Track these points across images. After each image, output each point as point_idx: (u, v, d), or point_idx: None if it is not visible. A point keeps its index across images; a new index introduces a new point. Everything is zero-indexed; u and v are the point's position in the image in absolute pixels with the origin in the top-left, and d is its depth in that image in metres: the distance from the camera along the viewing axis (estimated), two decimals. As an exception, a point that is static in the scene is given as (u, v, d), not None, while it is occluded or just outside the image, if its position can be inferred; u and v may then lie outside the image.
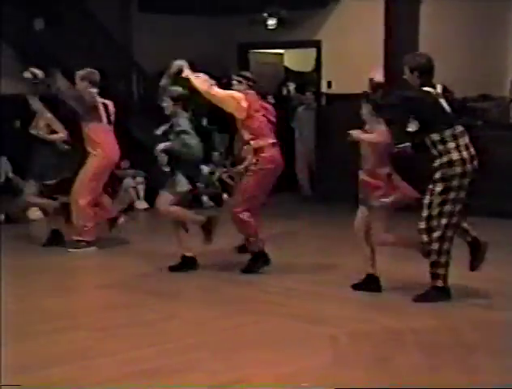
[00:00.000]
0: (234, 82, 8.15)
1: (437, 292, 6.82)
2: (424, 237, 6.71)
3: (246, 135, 7.92)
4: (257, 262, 7.86)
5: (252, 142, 7.87)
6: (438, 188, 6.63)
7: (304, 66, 15.94)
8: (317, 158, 13.43)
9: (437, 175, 6.64)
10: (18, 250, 9.00)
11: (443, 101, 6.75)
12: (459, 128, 6.72)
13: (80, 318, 6.51)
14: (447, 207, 6.64)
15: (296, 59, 16.06)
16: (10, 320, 6.36)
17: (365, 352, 5.72)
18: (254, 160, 7.82)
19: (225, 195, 12.89)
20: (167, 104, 7.96)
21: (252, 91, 8.13)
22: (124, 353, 5.58)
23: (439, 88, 6.81)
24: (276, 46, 14.88)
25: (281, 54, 15.79)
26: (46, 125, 9.21)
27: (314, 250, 9.31)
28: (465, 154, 6.66)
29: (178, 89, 8.05)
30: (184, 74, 7.93)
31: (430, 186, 6.66)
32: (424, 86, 6.75)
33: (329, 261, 8.40)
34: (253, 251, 7.88)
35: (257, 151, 7.85)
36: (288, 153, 13.95)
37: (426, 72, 6.80)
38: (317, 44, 13.60)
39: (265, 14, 13.63)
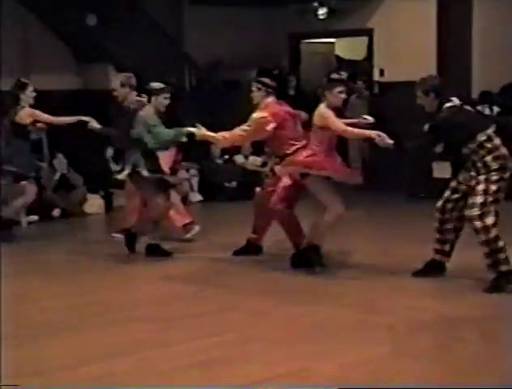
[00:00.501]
0: (253, 88, 7.95)
1: (506, 277, 6.75)
2: (478, 224, 6.67)
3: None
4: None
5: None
6: (495, 177, 6.71)
7: (355, 55, 15.86)
8: (369, 146, 13.36)
9: (494, 165, 6.72)
10: (75, 243, 9.11)
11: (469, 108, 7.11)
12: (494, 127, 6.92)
13: (137, 310, 6.55)
14: (500, 195, 6.74)
15: (347, 48, 15.98)
16: (71, 313, 6.47)
17: (423, 341, 5.69)
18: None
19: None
20: None
21: (271, 99, 7.93)
22: (181, 345, 5.62)
23: (457, 100, 6.90)
24: (327, 35, 14.82)
25: (332, 44, 15.72)
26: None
27: (367, 239, 9.27)
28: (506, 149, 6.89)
29: None
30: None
31: (483, 176, 6.70)
32: (443, 104, 6.80)
33: (382, 249, 8.36)
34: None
35: None
36: (341, 142, 13.95)
37: (441, 91, 6.87)
38: (368, 33, 13.53)
39: (315, 4, 13.61)
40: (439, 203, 7.03)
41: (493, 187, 6.71)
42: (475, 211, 6.69)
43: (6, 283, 7.11)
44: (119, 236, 8.80)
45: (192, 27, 13.59)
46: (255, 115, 7.78)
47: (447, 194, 7.03)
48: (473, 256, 7.29)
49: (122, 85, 9.00)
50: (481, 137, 6.78)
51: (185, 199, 11.62)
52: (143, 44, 12.38)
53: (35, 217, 10.51)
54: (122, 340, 5.75)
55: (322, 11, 13.56)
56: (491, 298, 6.66)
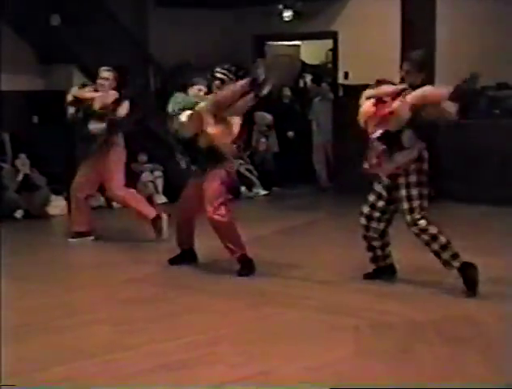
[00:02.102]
0: (225, 77, 7.53)
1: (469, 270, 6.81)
2: (423, 223, 6.75)
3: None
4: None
5: None
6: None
7: (320, 58, 15.93)
8: (334, 149, 13.42)
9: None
10: (39, 245, 9.04)
11: None
12: None
13: (103, 313, 6.52)
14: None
15: (312, 51, 16.04)
16: (34, 315, 6.42)
17: (387, 343, 5.71)
18: None
19: (243, 188, 12.90)
20: None
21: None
22: (146, 347, 5.60)
23: None
24: (292, 38, 14.86)
25: (298, 46, 15.77)
26: None
27: (333, 241, 9.31)
28: None
29: None
30: None
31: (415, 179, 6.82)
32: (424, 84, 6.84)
33: (348, 252, 8.39)
34: None
35: None
36: (306, 145, 14.02)
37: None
38: (333, 36, 13.58)
39: (280, 6, 13.64)
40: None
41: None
42: (417, 216, 6.77)
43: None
44: (75, 240, 8.84)
45: (157, 28, 13.55)
46: None
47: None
48: (435, 260, 7.36)
49: (115, 78, 9.10)
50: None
51: (149, 200, 11.59)
52: (108, 46, 12.31)
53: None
54: (88, 343, 5.73)
55: (287, 14, 13.59)
56: (455, 300, 6.71)
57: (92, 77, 12.18)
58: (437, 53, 12.47)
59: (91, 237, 9.16)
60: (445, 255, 6.77)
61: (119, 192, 9.09)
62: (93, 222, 9.37)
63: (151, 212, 9.10)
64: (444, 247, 6.75)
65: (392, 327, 6.08)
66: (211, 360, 5.35)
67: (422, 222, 6.73)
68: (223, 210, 7.40)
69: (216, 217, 7.38)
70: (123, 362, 5.31)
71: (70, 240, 9.08)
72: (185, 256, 7.94)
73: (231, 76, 7.54)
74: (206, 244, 8.15)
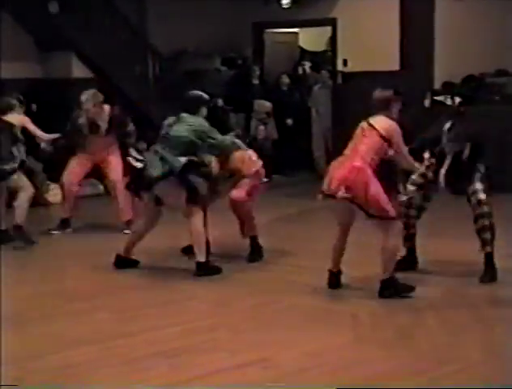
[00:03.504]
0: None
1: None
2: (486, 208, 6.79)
3: None
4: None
5: None
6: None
7: (319, 45, 15.89)
8: (333, 136, 13.41)
9: None
10: (36, 233, 9.01)
11: None
12: None
13: (102, 300, 6.53)
14: None
15: (311, 37, 16.00)
16: (33, 303, 6.43)
17: (387, 330, 5.72)
18: None
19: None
20: None
21: None
22: (146, 334, 5.62)
23: None
24: (291, 25, 14.82)
25: (296, 33, 15.72)
26: None
27: (331, 229, 9.28)
28: None
29: None
30: None
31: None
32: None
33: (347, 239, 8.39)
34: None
35: None
36: (305, 132, 14.00)
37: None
38: (332, 23, 13.54)
39: (279, -7, 13.61)
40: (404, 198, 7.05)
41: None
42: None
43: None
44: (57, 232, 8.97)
45: (155, 16, 13.50)
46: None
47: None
48: (436, 246, 7.40)
49: (94, 105, 9.02)
50: None
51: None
52: (106, 33, 12.28)
53: None
54: (85, 330, 5.74)
55: (285, 1, 13.56)
56: (455, 287, 6.73)
57: (90, 64, 12.21)
58: (435, 38, 12.47)
59: (70, 229, 9.17)
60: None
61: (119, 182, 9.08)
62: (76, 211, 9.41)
63: (129, 213, 9.10)
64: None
65: (391, 313, 6.09)
66: (210, 346, 5.37)
67: None
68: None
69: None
70: (123, 349, 5.33)
71: (53, 231, 9.08)
72: None
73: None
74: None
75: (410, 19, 12.46)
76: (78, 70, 12.22)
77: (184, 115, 7.35)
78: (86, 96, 9.05)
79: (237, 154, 7.84)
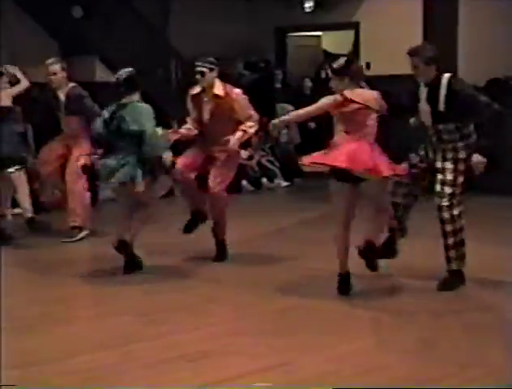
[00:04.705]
0: (205, 69, 7.52)
1: (460, 276, 6.78)
2: (446, 214, 6.61)
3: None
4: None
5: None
6: (462, 167, 6.61)
7: (342, 49, 15.87)
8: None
9: (461, 155, 6.61)
10: (59, 236, 9.04)
11: None
12: None
13: (123, 304, 6.54)
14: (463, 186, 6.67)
15: (334, 41, 15.99)
16: (55, 306, 6.45)
17: (408, 334, 5.70)
18: None
19: (264, 179, 12.90)
20: None
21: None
22: (165, 338, 5.62)
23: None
24: (314, 29, 14.82)
25: (319, 37, 15.72)
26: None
27: (354, 233, 9.26)
28: None
29: None
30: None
31: (450, 165, 6.60)
32: (441, 75, 6.67)
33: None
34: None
35: None
36: (327, 136, 13.97)
37: (439, 63, 6.75)
38: (355, 26, 13.53)
39: (302, -3, 13.63)
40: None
41: (461, 178, 6.62)
42: (445, 202, 6.59)
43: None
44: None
45: (178, 19, 13.55)
46: (241, 95, 7.66)
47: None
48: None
49: (63, 69, 8.89)
50: (459, 123, 6.66)
51: (172, 192, 11.56)
52: (129, 36, 12.35)
53: (20, 210, 10.40)
54: (107, 334, 5.75)
55: (308, 4, 13.58)
56: (476, 291, 6.70)
57: (114, 68, 12.24)
58: (459, 40, 12.42)
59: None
60: (459, 251, 6.71)
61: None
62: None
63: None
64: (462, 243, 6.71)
65: (412, 317, 6.06)
66: (230, 351, 5.35)
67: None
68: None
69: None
70: (141, 353, 5.32)
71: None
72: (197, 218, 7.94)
73: (211, 67, 7.57)
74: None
75: (433, 21, 12.41)
76: (102, 74, 12.28)
77: None
78: (52, 60, 8.92)
79: None
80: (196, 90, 7.73)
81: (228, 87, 7.70)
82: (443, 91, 6.59)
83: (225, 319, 6.09)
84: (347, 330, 5.78)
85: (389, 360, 5.17)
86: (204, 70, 7.54)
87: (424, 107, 6.73)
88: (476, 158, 6.51)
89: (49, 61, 8.91)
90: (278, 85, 14.05)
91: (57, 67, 8.85)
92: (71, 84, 8.96)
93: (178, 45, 13.21)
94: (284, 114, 13.62)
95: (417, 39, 12.37)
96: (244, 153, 12.48)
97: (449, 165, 6.62)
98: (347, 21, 13.60)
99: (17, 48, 11.98)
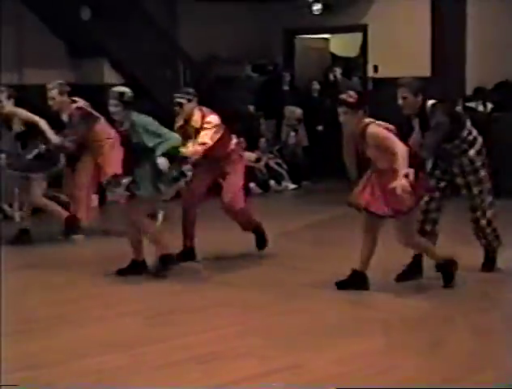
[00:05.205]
0: (183, 101, 7.65)
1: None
2: (483, 222, 7.00)
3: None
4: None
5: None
6: (483, 173, 7.00)
7: (350, 51, 15.87)
8: (364, 143, 13.36)
9: (478, 162, 6.96)
10: (59, 240, 9.02)
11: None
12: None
13: (134, 306, 6.54)
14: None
15: (342, 44, 15.99)
16: (64, 308, 6.46)
17: (418, 336, 5.69)
18: None
19: (272, 182, 12.90)
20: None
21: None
22: (175, 340, 5.62)
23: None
24: (322, 31, 14.82)
25: (327, 39, 15.72)
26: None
27: (361, 235, 9.26)
28: None
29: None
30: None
31: (472, 177, 6.92)
32: (425, 104, 6.82)
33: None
34: None
35: None
36: (335, 138, 13.96)
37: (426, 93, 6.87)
38: (363, 29, 13.53)
39: (310, 0, 13.61)
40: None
41: (487, 186, 6.99)
42: (479, 214, 6.99)
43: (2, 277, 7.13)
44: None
45: (187, 22, 13.57)
46: (212, 119, 7.70)
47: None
48: (470, 253, 7.34)
49: (61, 93, 8.87)
50: (463, 132, 6.96)
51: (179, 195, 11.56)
52: (138, 39, 12.35)
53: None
54: (115, 335, 5.75)
55: (316, 7, 13.57)
56: (485, 293, 6.69)
57: (122, 70, 12.29)
58: (467, 43, 12.41)
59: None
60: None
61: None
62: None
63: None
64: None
65: (422, 320, 6.06)
66: (241, 352, 5.35)
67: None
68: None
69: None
70: (151, 355, 5.32)
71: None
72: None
73: (189, 97, 7.69)
74: (233, 239, 8.16)
75: (441, 24, 12.41)
76: (110, 76, 12.30)
77: None
78: (52, 84, 8.87)
79: None
80: (180, 122, 7.84)
81: (206, 113, 7.78)
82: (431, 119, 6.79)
83: (235, 321, 6.08)
84: (357, 332, 5.78)
85: (399, 362, 5.16)
86: (182, 101, 7.70)
87: (419, 136, 6.88)
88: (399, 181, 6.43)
89: (49, 85, 8.91)
90: (286, 87, 14.05)
91: (54, 93, 8.84)
92: (74, 105, 8.92)
93: (187, 47, 13.22)
94: (292, 117, 13.72)
95: (425, 42, 12.42)
96: (252, 155, 12.60)
97: (471, 178, 6.95)
98: (355, 24, 13.59)
99: (25, 50, 12.01)
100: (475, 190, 6.97)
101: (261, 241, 8.16)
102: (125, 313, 6.29)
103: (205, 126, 7.68)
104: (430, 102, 6.83)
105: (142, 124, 7.25)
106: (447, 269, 6.78)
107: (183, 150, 7.42)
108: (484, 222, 7.02)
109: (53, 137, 8.68)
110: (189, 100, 7.70)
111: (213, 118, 7.75)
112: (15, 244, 8.68)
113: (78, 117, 8.85)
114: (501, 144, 10.50)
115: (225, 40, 13.75)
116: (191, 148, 7.55)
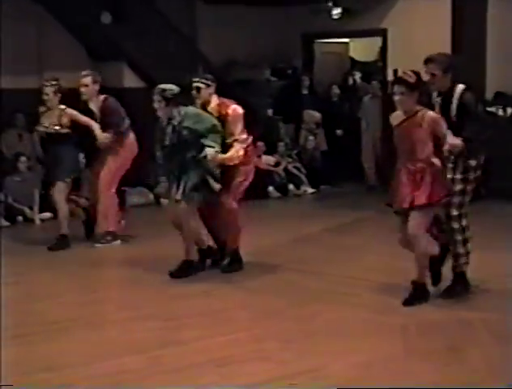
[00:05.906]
0: (201, 85, 7.53)
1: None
2: (456, 224, 6.61)
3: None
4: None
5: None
6: (472, 176, 6.62)
7: (369, 55, 15.84)
8: (382, 147, 13.33)
9: (472, 163, 6.60)
10: (79, 243, 9.05)
11: None
12: None
13: (151, 308, 6.56)
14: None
15: (361, 48, 15.96)
16: (83, 310, 6.49)
17: (437, 342, 5.67)
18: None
19: (291, 186, 12.89)
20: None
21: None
22: (193, 343, 5.63)
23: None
24: (341, 35, 14.79)
25: (346, 44, 15.70)
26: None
27: (380, 240, 9.24)
28: None
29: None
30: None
31: (460, 176, 6.59)
32: (456, 85, 6.68)
33: (395, 251, 8.32)
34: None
35: None
36: (354, 143, 13.96)
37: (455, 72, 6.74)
38: (382, 33, 13.49)
39: (329, 4, 13.59)
40: None
41: (469, 187, 6.62)
42: (454, 212, 6.59)
43: (18, 280, 7.16)
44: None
45: (205, 25, 13.59)
46: (235, 112, 7.57)
47: None
48: (485, 259, 7.30)
49: (95, 81, 8.92)
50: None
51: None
52: (157, 43, 12.38)
53: (47, 214, 10.48)
54: (134, 338, 5.78)
55: (335, 11, 13.54)
56: (504, 299, 6.65)
57: (142, 74, 12.32)
58: (488, 48, 12.35)
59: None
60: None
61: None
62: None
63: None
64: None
65: (441, 325, 6.04)
66: (259, 356, 5.36)
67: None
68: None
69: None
70: (169, 358, 5.34)
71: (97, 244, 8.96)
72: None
73: (208, 83, 7.59)
74: (251, 243, 8.17)
75: (461, 28, 12.34)
76: (130, 80, 12.34)
77: None
78: (87, 72, 9.00)
79: None
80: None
81: (225, 103, 7.66)
82: (456, 101, 6.61)
83: (253, 325, 6.09)
84: (376, 336, 5.77)
85: (417, 367, 5.15)
86: (200, 85, 7.58)
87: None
88: (452, 140, 6.42)
89: (83, 73, 8.99)
90: (305, 92, 14.04)
91: (89, 79, 8.92)
92: (102, 96, 8.98)
93: (206, 51, 13.24)
94: (310, 121, 13.70)
95: (445, 45, 12.32)
96: (271, 159, 12.60)
97: (458, 176, 6.61)
98: (374, 28, 13.55)
99: (45, 53, 12.06)
100: (459, 187, 6.59)
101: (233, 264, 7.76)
102: (143, 316, 6.31)
103: (231, 116, 7.50)
104: (461, 86, 6.66)
105: (195, 112, 7.35)
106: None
107: (228, 157, 7.38)
108: (456, 225, 6.63)
109: (103, 136, 8.74)
110: (208, 86, 7.56)
111: (237, 108, 7.61)
112: (54, 249, 8.65)
113: (110, 109, 8.86)
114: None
115: (244, 45, 13.76)
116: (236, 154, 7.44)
